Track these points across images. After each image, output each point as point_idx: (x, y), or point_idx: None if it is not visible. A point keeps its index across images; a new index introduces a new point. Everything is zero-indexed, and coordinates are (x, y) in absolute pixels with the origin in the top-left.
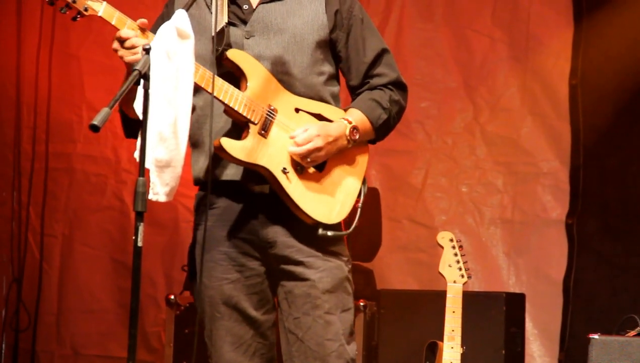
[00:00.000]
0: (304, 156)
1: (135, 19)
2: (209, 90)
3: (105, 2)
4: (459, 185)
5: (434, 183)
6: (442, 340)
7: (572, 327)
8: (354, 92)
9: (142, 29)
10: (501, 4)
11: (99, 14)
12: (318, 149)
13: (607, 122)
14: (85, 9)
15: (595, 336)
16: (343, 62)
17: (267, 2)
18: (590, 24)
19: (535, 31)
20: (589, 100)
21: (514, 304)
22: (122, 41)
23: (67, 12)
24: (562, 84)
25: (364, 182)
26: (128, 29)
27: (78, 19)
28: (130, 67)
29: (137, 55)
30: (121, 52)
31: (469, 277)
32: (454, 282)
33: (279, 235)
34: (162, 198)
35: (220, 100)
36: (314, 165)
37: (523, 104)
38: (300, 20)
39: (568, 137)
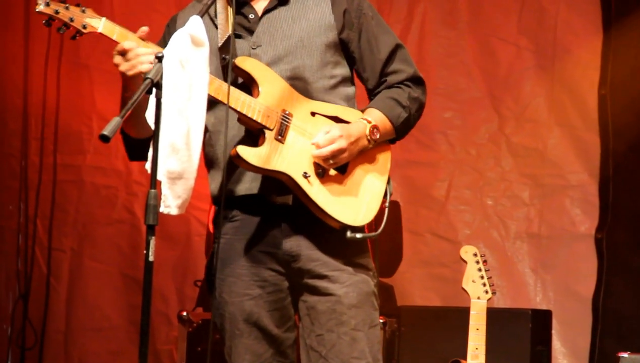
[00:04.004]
0: (328, 158)
1: (149, 27)
2: (224, 101)
3: (104, 18)
4: (483, 198)
5: (458, 196)
6: (465, 358)
7: (602, 346)
8: (372, 93)
9: (143, 40)
10: (527, 11)
11: (99, 31)
12: (341, 151)
13: (637, 133)
14: (84, 27)
15: (625, 355)
16: (358, 62)
17: (272, 10)
18: (619, 32)
19: (563, 39)
20: (619, 111)
21: (541, 321)
22: (124, 53)
23: (66, 32)
24: (591, 93)
25: (388, 181)
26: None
27: (77, 37)
28: (130, 82)
29: (143, 65)
30: (124, 65)
31: (493, 293)
32: (478, 298)
33: (302, 248)
34: (174, 211)
35: (233, 109)
36: (337, 166)
37: (550, 114)
38: (307, 23)
39: (597, 149)
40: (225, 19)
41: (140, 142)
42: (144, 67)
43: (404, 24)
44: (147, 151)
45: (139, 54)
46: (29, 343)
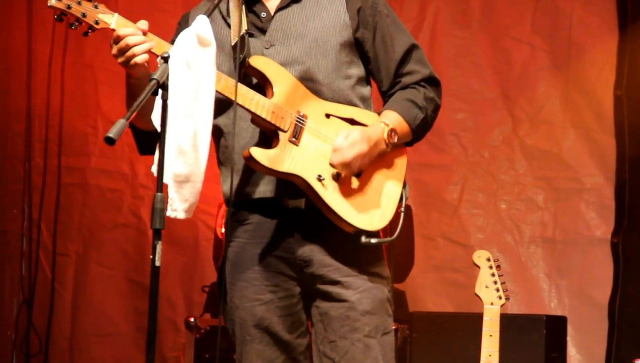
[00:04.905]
0: (349, 163)
1: (155, 26)
2: (233, 98)
3: (117, 14)
4: (497, 202)
5: (471, 200)
6: None
7: (618, 353)
8: (386, 94)
9: (144, 33)
10: (542, 10)
11: (112, 27)
12: (363, 155)
13: None
14: (97, 23)
15: None
16: (372, 62)
17: (284, 8)
18: (635, 32)
19: (578, 39)
20: (635, 112)
21: (555, 328)
22: (117, 41)
23: (78, 28)
24: (607, 94)
25: (404, 185)
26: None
27: (90, 33)
28: (130, 71)
29: (137, 57)
30: (119, 58)
31: (507, 299)
32: (492, 304)
33: (315, 253)
34: (181, 215)
35: (246, 109)
36: (358, 173)
37: (565, 116)
38: (321, 23)
39: (613, 151)
40: (238, 18)
41: (149, 134)
42: (139, 59)
43: (415, 23)
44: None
45: (130, 45)
46: (33, 350)
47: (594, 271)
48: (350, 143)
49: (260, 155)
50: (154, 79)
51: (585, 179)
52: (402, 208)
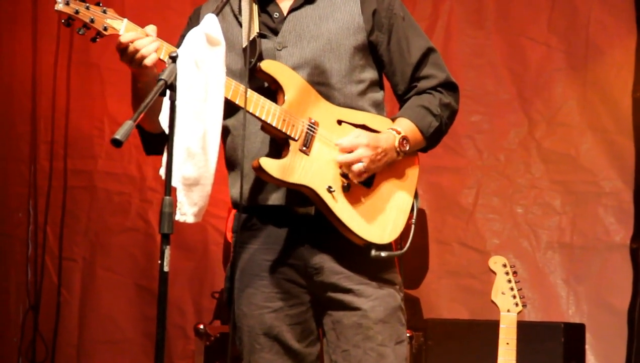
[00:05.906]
0: (355, 166)
1: (162, 26)
2: (243, 105)
3: (126, 20)
4: (513, 206)
5: (486, 204)
6: None
7: (638, 361)
8: (402, 98)
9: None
10: (558, 10)
11: (120, 33)
12: (370, 160)
13: None
14: (105, 29)
15: None
16: (387, 66)
17: (298, 8)
18: None
19: (596, 39)
20: None
21: (574, 335)
22: (124, 47)
23: (86, 33)
24: (625, 96)
25: (415, 196)
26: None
27: (98, 39)
28: (137, 73)
29: (146, 59)
30: (130, 63)
31: (524, 306)
32: (508, 311)
33: (325, 260)
34: (190, 219)
35: (256, 116)
36: (364, 179)
37: (582, 118)
38: (335, 24)
39: (632, 154)
40: (249, 18)
41: (155, 136)
42: (149, 60)
43: (428, 23)
44: (164, 146)
45: (137, 48)
46: (39, 357)
47: (613, 277)
48: (355, 143)
49: (270, 166)
50: (161, 79)
51: (604, 183)
52: (413, 220)
